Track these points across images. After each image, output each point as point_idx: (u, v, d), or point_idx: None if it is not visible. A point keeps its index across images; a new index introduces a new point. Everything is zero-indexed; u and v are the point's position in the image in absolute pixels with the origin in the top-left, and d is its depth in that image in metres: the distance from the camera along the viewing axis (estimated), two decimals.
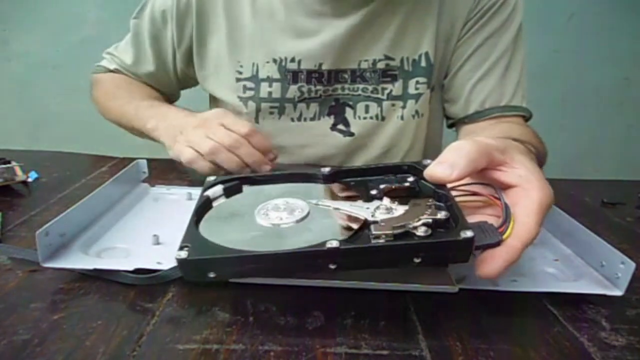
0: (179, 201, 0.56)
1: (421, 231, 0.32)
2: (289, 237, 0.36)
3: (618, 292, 0.39)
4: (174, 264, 0.39)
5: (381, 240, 0.32)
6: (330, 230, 0.35)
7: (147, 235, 0.44)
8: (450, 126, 0.80)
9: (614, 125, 1.74)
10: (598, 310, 0.39)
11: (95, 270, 0.39)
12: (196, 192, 0.56)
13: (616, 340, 0.35)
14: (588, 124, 1.73)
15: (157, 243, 0.44)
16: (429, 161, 0.38)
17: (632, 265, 0.38)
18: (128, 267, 0.39)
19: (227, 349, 0.32)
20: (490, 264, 0.34)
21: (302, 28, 0.69)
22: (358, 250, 0.32)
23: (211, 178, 0.44)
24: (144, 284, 0.39)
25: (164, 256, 0.41)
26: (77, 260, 0.40)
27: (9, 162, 0.61)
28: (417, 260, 0.32)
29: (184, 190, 0.57)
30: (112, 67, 0.81)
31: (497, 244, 0.34)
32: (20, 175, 0.60)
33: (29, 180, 0.61)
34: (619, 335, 0.36)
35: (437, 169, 0.36)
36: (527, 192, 0.35)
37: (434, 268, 0.40)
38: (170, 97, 0.84)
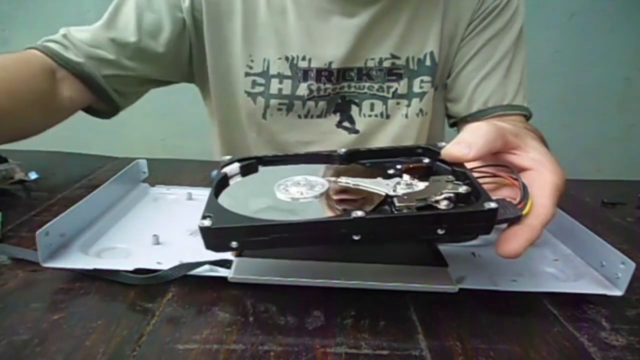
0: (179, 201, 0.56)
1: (443, 205, 0.33)
2: (309, 211, 0.36)
3: (618, 292, 0.39)
4: (174, 263, 0.39)
5: (405, 211, 0.33)
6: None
7: (147, 235, 0.44)
8: (452, 125, 0.80)
9: (614, 125, 1.74)
10: (598, 310, 0.39)
11: (95, 270, 0.39)
12: (196, 192, 0.57)
13: (616, 340, 0.35)
14: (588, 124, 1.73)
15: (157, 243, 0.44)
16: (444, 143, 0.39)
17: (632, 265, 0.38)
18: (128, 267, 0.39)
19: (227, 349, 0.32)
20: (513, 242, 0.34)
21: (313, 28, 0.69)
22: (383, 220, 0.33)
23: (227, 157, 0.44)
24: (144, 284, 0.39)
25: (164, 256, 0.41)
26: (77, 260, 0.40)
27: (8, 162, 0.61)
28: (440, 232, 0.32)
29: (184, 190, 0.57)
30: (58, 34, 0.65)
31: (517, 218, 0.34)
32: (20, 175, 0.60)
33: (29, 180, 0.61)
34: (619, 335, 0.36)
35: (454, 148, 0.37)
36: (541, 174, 0.37)
37: (434, 268, 0.40)
38: (116, 102, 0.69)
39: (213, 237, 0.33)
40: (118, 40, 0.66)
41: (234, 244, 0.33)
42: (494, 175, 0.38)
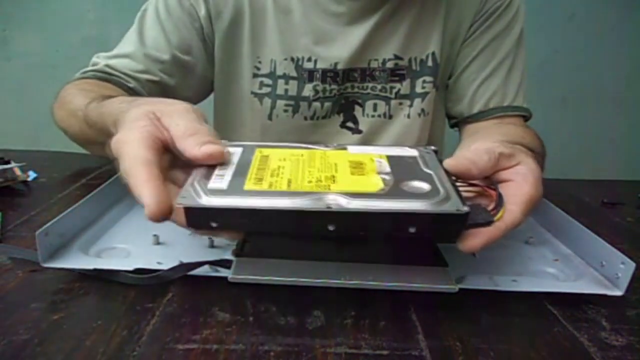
0: None
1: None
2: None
3: (618, 292, 0.39)
4: (174, 263, 0.39)
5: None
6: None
7: (147, 235, 0.44)
8: (453, 126, 0.81)
9: (614, 125, 1.74)
10: (598, 310, 0.39)
11: (95, 270, 0.39)
12: None
13: (616, 340, 0.35)
14: (588, 124, 1.73)
15: (157, 243, 0.44)
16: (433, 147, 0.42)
17: (632, 265, 0.38)
18: (128, 267, 0.39)
19: (227, 349, 0.32)
20: (474, 239, 0.36)
21: (319, 31, 0.69)
22: (356, 214, 0.33)
23: (225, 141, 0.43)
24: (144, 284, 0.39)
25: (164, 256, 0.41)
26: (77, 260, 0.40)
27: (8, 162, 0.61)
28: (412, 230, 0.33)
29: None
30: (100, 63, 0.68)
31: (488, 223, 0.36)
32: (19, 175, 0.60)
33: (28, 179, 0.61)
34: (619, 335, 0.36)
35: (463, 163, 0.39)
36: (519, 185, 0.39)
37: (434, 268, 0.40)
38: None
39: (192, 217, 0.34)
40: (156, 60, 0.68)
41: (213, 224, 0.34)
42: (473, 185, 0.40)
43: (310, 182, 0.36)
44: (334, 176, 0.37)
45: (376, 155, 0.41)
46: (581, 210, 0.59)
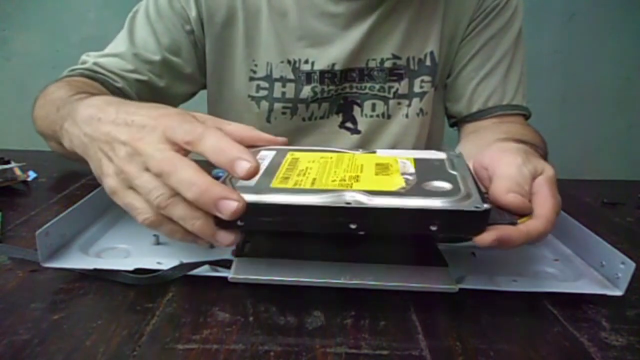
0: None
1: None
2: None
3: (618, 292, 0.39)
4: (174, 263, 0.39)
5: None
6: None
7: (147, 235, 0.44)
8: (452, 125, 0.81)
9: (614, 125, 1.74)
10: (598, 310, 0.39)
11: (95, 270, 0.39)
12: None
13: (616, 340, 0.35)
14: (588, 124, 1.73)
15: (157, 243, 0.44)
16: (443, 151, 0.43)
17: (632, 265, 0.38)
18: (128, 267, 0.39)
19: (227, 349, 0.32)
20: (486, 232, 0.35)
21: (316, 33, 0.69)
22: (378, 210, 0.33)
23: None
24: (144, 284, 0.39)
25: (164, 256, 0.41)
26: (77, 260, 0.40)
27: (8, 162, 0.61)
28: (433, 228, 0.33)
29: None
30: (89, 61, 0.68)
31: (511, 224, 0.36)
32: (19, 175, 0.60)
33: (28, 179, 0.61)
34: (619, 335, 0.36)
35: (518, 199, 0.38)
36: (540, 196, 0.39)
37: (434, 268, 0.40)
38: None
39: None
40: (145, 60, 0.68)
41: (240, 222, 0.34)
42: None
43: (334, 181, 0.37)
44: (358, 176, 0.38)
45: (403, 158, 0.42)
46: (581, 210, 0.59)
